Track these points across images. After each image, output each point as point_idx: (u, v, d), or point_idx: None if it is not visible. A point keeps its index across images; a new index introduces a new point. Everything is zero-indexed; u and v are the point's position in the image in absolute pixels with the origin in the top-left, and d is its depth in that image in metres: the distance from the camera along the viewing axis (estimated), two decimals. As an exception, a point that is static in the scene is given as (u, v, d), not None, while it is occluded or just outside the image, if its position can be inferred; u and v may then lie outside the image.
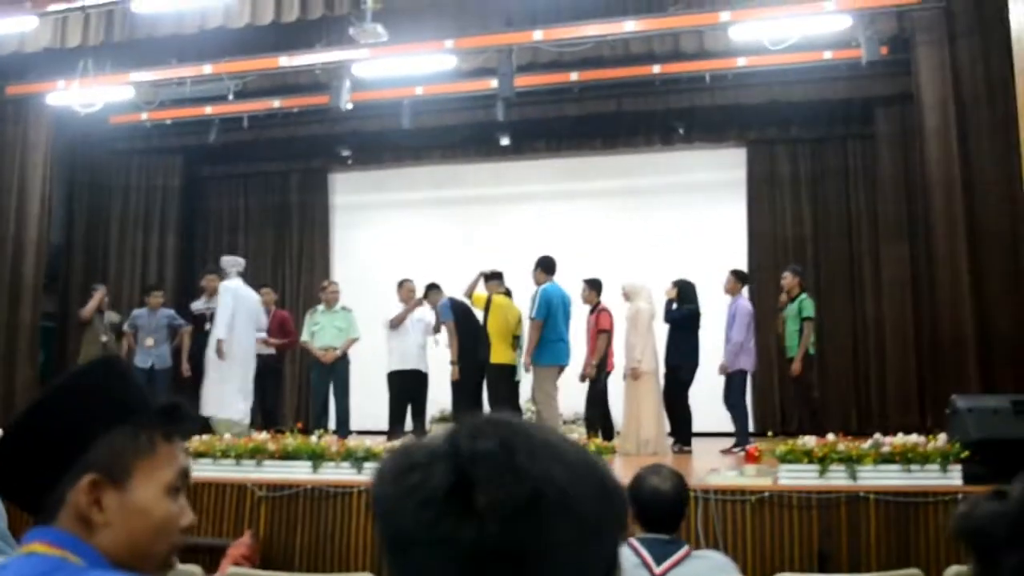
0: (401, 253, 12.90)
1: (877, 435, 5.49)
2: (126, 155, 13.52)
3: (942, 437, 5.43)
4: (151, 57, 10.71)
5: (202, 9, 9.39)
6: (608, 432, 8.99)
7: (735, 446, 8.90)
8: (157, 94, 11.34)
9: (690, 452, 8.94)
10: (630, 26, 9.67)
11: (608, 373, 9.41)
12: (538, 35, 9.82)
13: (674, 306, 9.39)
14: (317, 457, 5.66)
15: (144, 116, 11.94)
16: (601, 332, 9.26)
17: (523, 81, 10.39)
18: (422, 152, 13.18)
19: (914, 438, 5.40)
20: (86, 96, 10.87)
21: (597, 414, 9.27)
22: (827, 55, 10.34)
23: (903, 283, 10.91)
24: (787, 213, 12.23)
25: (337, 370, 9.54)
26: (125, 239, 13.44)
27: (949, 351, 9.11)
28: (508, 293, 9.34)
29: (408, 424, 9.24)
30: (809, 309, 9.06)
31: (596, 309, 9.40)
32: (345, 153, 13.23)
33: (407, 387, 9.29)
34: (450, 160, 13.29)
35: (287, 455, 5.72)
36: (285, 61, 10.43)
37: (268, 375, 9.86)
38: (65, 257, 12.84)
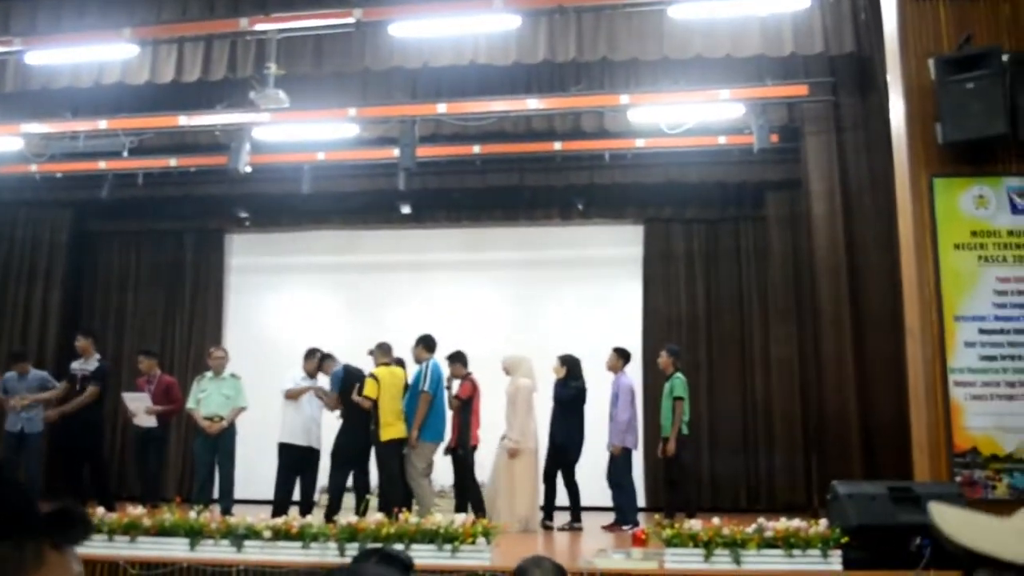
0: (297, 318, 12.73)
1: (761, 520, 5.57)
2: (12, 207, 13.05)
3: (823, 522, 5.54)
4: (44, 108, 10.46)
5: (100, 64, 9.23)
6: (479, 507, 8.80)
7: (616, 522, 8.95)
8: (48, 146, 11.04)
9: (581, 529, 8.92)
10: (533, 104, 9.87)
11: (474, 447, 9.18)
12: (442, 108, 9.94)
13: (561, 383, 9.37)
14: (195, 534, 5.45)
15: (33, 168, 11.60)
16: (459, 399, 9.01)
17: (425, 151, 10.49)
18: (322, 217, 13.08)
19: (796, 523, 5.49)
20: (-30, 146, 10.51)
21: (466, 488, 9.05)
22: (721, 140, 10.71)
23: (791, 362, 11.21)
24: (681, 290, 12.47)
25: (222, 440, 9.24)
26: (6, 294, 12.93)
27: (834, 433, 9.37)
28: (400, 363, 9.22)
29: (295, 497, 9.02)
30: (680, 389, 9.22)
31: (464, 381, 9.19)
32: (243, 215, 13.04)
33: (297, 461, 9.07)
34: (350, 226, 13.22)
35: (164, 531, 5.50)
36: (184, 120, 10.33)
37: (150, 443, 9.54)
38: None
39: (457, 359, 9.25)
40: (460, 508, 8.76)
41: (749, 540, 5.36)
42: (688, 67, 9.41)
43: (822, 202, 9.78)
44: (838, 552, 5.37)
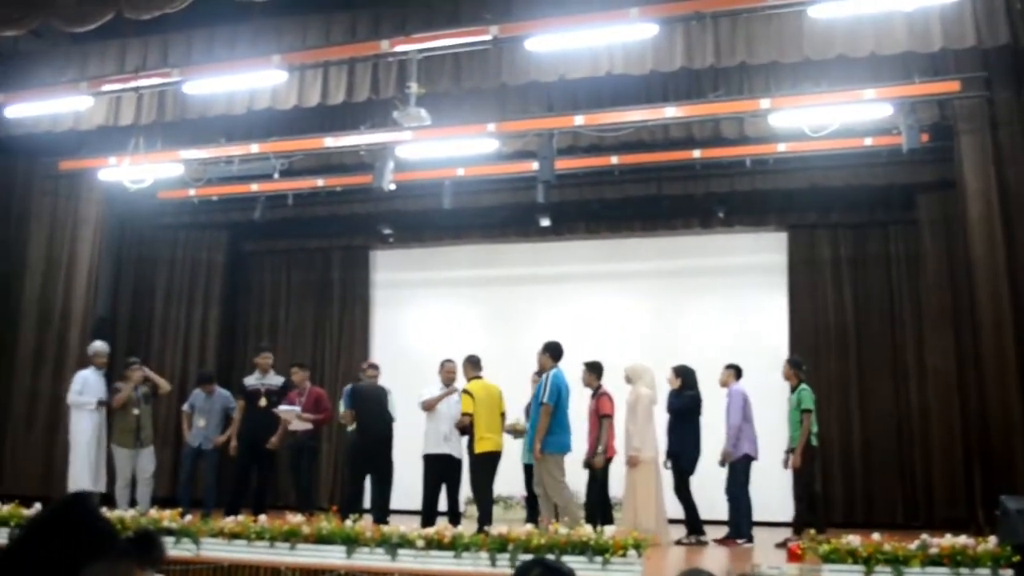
0: (440, 331, 12.95)
1: (924, 536, 5.34)
2: (172, 230, 13.78)
3: (992, 539, 5.28)
4: (201, 135, 10.99)
5: (251, 91, 9.63)
6: (608, 519, 8.68)
7: (729, 536, 8.77)
8: (205, 171, 11.58)
9: (705, 543, 8.79)
10: (670, 112, 9.76)
11: (609, 459, 9.07)
12: (579, 120, 9.95)
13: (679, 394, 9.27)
14: (352, 542, 5.61)
15: (192, 192, 12.22)
16: (603, 417, 8.94)
17: (563, 164, 10.52)
18: (462, 232, 13.31)
19: (963, 540, 5.25)
20: (136, 172, 11.13)
21: (597, 500, 8.98)
22: (868, 141, 10.36)
23: (949, 373, 10.68)
24: (828, 298, 12.11)
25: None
26: (169, 312, 13.62)
27: (998, 445, 8.90)
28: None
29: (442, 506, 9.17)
30: (807, 401, 9.00)
31: (597, 393, 9.09)
32: (387, 231, 13.38)
33: (440, 471, 9.21)
34: (490, 240, 13.40)
35: (321, 539, 5.68)
36: (330, 142, 10.65)
37: (303, 453, 9.88)
38: (110, 329, 13.01)
39: (592, 369, 9.19)
40: (531, 519, 8.78)
41: (912, 557, 5.16)
42: (830, 67, 9.14)
43: (979, 203, 9.32)
44: (1009, 571, 5.11)
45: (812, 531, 5.78)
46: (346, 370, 13.21)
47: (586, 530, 5.58)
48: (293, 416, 9.73)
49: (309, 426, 9.79)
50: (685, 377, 9.20)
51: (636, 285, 12.97)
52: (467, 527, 7.10)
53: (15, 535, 1.48)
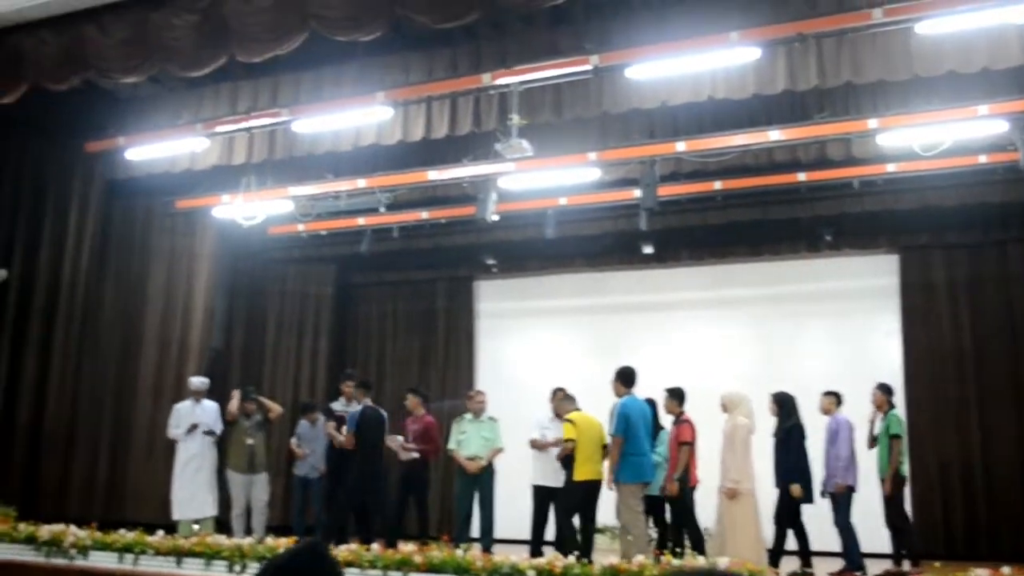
0: (544, 361, 12.98)
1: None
2: (283, 264, 14.18)
3: None
4: (309, 172, 11.30)
5: (357, 127, 9.87)
6: (700, 547, 8.48)
7: (846, 569, 8.50)
8: (314, 206, 11.90)
9: (812, 574, 8.56)
10: (775, 135, 9.63)
11: (693, 488, 8.88)
12: (681, 146, 9.90)
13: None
14: (463, 572, 5.64)
15: (301, 227, 12.57)
16: (682, 444, 8.75)
17: (666, 191, 10.47)
18: (566, 261, 13.35)
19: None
20: (248, 209, 11.51)
21: (684, 530, 8.78)
22: (982, 159, 10.02)
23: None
24: (944, 321, 11.72)
25: (482, 480, 9.55)
26: (280, 344, 14.00)
27: None
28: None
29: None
30: (896, 426, 8.78)
31: (678, 420, 8.94)
32: (490, 262, 13.52)
33: (547, 502, 9.19)
34: (593, 268, 13.41)
35: (432, 568, 5.73)
36: (434, 175, 10.82)
37: (412, 483, 9.91)
38: (224, 360, 13.43)
39: (674, 395, 9.06)
40: (662, 546, 8.63)
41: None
42: (940, 84, 8.87)
43: (1101, 219, 8.95)
44: None
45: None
46: (452, 399, 13.32)
47: (699, 561, 5.50)
48: (398, 445, 9.83)
49: (415, 455, 9.84)
50: (784, 405, 8.99)
51: (741, 312, 12.79)
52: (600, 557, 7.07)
53: None
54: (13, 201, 11.40)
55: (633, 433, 8.41)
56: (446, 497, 12.70)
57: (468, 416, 9.92)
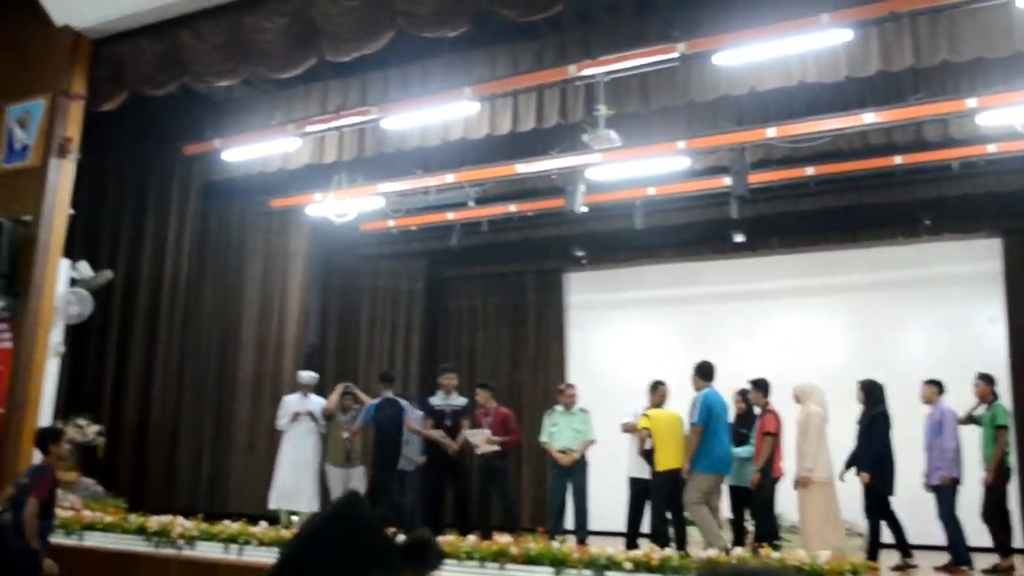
0: (635, 352, 12.93)
1: None
2: (374, 260, 14.40)
3: None
4: (398, 169, 11.43)
5: (444, 123, 9.94)
6: (769, 538, 8.07)
7: (952, 563, 8.24)
8: (403, 202, 12.05)
9: (915, 566, 8.32)
10: (869, 118, 9.38)
11: (776, 479, 8.79)
12: (771, 132, 9.72)
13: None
14: (559, 564, 5.65)
15: (391, 223, 12.73)
16: (766, 435, 8.68)
17: (757, 178, 10.31)
18: (655, 251, 13.26)
19: None
20: (340, 206, 11.71)
21: (764, 522, 8.68)
22: (1090, 137, 9.62)
23: None
24: (1051, 306, 11.32)
25: (575, 472, 9.54)
26: (373, 338, 14.23)
27: None
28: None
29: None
30: (1003, 417, 8.50)
31: (763, 411, 8.88)
32: (579, 253, 13.51)
33: (642, 493, 9.16)
34: (683, 258, 13.29)
35: (529, 559, 5.76)
36: (522, 168, 10.84)
37: (494, 475, 9.87)
38: (319, 356, 13.70)
39: (758, 387, 8.99)
40: (738, 542, 8.49)
41: None
42: (1044, 60, 8.56)
43: None
44: None
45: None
46: (543, 392, 13.36)
47: (800, 554, 5.41)
48: (482, 439, 9.84)
49: (497, 448, 9.83)
50: (871, 393, 8.76)
51: (837, 300, 12.54)
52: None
53: (290, 544, 1.51)
54: (117, 204, 11.81)
55: (714, 425, 8.39)
56: (538, 489, 12.75)
57: (559, 408, 9.92)
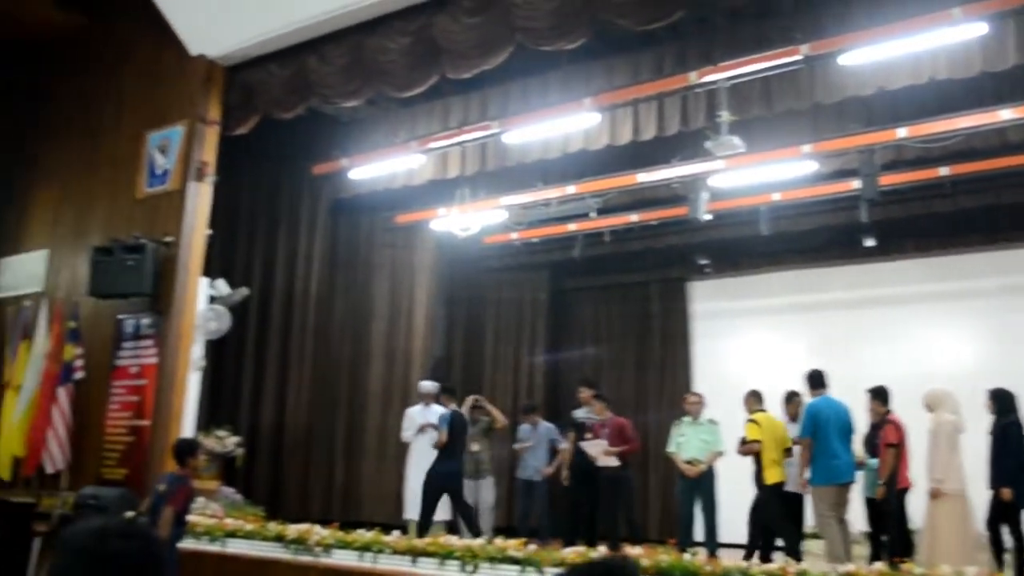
0: (763, 361, 12.69)
1: None
2: (497, 272, 14.56)
3: None
4: (520, 181, 11.54)
5: (565, 135, 9.98)
6: (899, 551, 7.82)
7: None
8: (526, 215, 12.15)
9: None
10: (1006, 115, 8.99)
11: (904, 491, 8.35)
12: (902, 132, 9.42)
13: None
14: (691, 575, 5.59)
15: (514, 235, 12.85)
16: (887, 447, 8.26)
17: (888, 180, 10.02)
18: (781, 257, 13.01)
19: None
20: (464, 220, 11.90)
21: (895, 535, 8.25)
22: None
23: None
24: None
25: (702, 484, 9.41)
26: (498, 350, 14.37)
27: None
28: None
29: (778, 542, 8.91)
30: None
31: (883, 422, 8.44)
32: (703, 261, 13.36)
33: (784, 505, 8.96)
34: (811, 264, 12.99)
35: (660, 571, 5.71)
36: (643, 177, 10.79)
37: (615, 485, 9.78)
38: (446, 368, 13.91)
39: (876, 396, 8.59)
40: (875, 556, 8.15)
41: None
42: None
43: None
44: None
45: None
46: (669, 402, 13.24)
47: (943, 570, 5.22)
48: (599, 451, 9.81)
49: (615, 461, 9.76)
50: (1001, 402, 8.33)
51: (974, 304, 12.04)
52: (809, 563, 6.88)
53: None
54: (251, 223, 12.27)
55: (823, 434, 8.19)
56: (666, 500, 12.63)
57: (687, 419, 9.81)
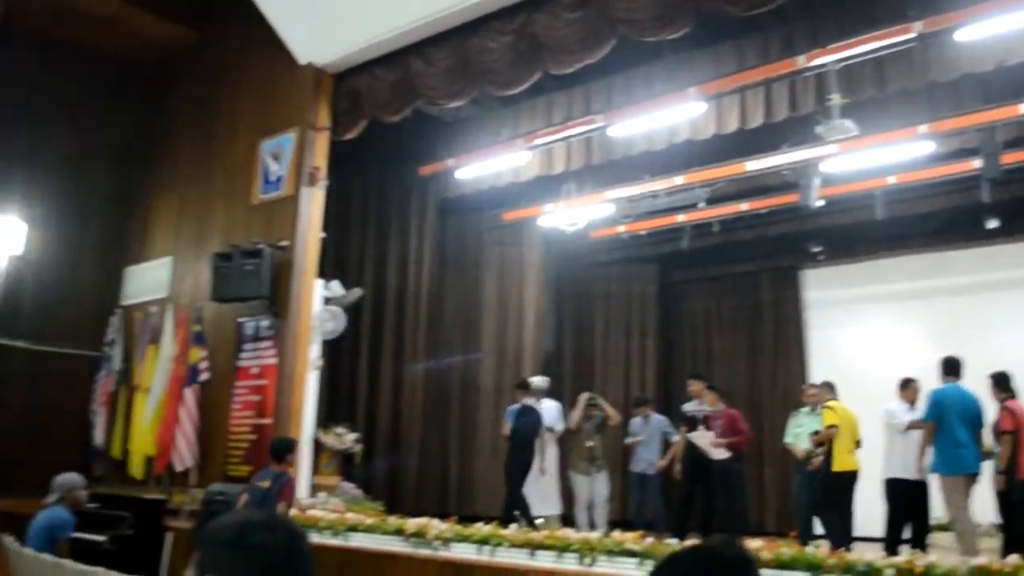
0: (881, 348, 12.34)
1: None
2: (605, 266, 14.51)
3: None
4: (626, 174, 11.47)
5: (670, 126, 9.90)
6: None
7: None
8: (632, 207, 12.07)
9: None
10: None
11: (1022, 481, 7.91)
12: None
13: None
14: (814, 569, 5.47)
15: (621, 228, 12.78)
16: (1002, 434, 7.90)
17: (1011, 158, 9.60)
18: (898, 242, 12.61)
19: None
20: (571, 216, 11.90)
21: (1018, 526, 7.84)
22: None
23: None
24: None
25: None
26: (608, 344, 14.32)
27: None
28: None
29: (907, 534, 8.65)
30: None
31: (1001, 408, 8.06)
32: (816, 249, 13.04)
33: (908, 496, 8.68)
34: (929, 248, 12.55)
35: (782, 564, 5.61)
36: (752, 165, 10.59)
37: (727, 477, 9.63)
38: (556, 362, 13.94)
39: (997, 381, 8.19)
40: (1008, 549, 7.77)
41: None
42: None
43: None
44: None
45: None
46: (783, 393, 13.00)
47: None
48: (707, 442, 9.68)
49: (725, 453, 9.62)
50: None
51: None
52: (938, 555, 6.65)
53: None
54: (362, 225, 12.52)
55: (946, 422, 7.97)
56: (783, 492, 12.40)
57: (804, 410, 9.62)
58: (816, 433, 9.06)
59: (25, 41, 11.01)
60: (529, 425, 10.10)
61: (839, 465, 8.53)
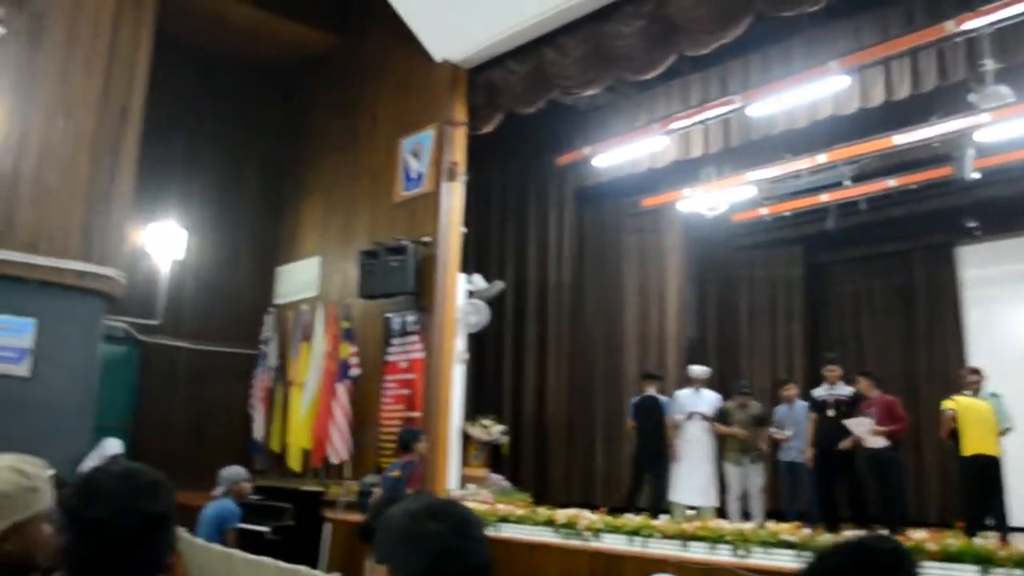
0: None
1: None
2: (748, 250, 14.19)
3: None
4: (766, 155, 11.18)
5: (812, 102, 9.60)
6: None
7: None
8: (774, 189, 11.76)
9: None
10: None
11: None
12: None
13: None
14: (984, 561, 5.23)
15: (764, 211, 12.46)
16: None
17: None
18: (1064, 214, 11.87)
19: None
20: (711, 200, 11.70)
21: None
22: None
23: None
24: None
25: (987, 463, 8.79)
26: (753, 330, 14.01)
27: None
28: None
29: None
30: None
31: None
32: (972, 224, 12.39)
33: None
34: (1105, 218, 11.77)
35: (949, 556, 5.38)
36: (900, 139, 10.15)
37: (883, 465, 9.24)
38: (700, 349, 13.72)
39: None
40: None
41: None
42: None
43: None
44: None
45: None
46: (940, 378, 12.41)
47: None
48: (865, 430, 9.30)
49: (883, 441, 9.22)
50: None
51: None
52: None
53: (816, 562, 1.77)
54: (501, 218, 12.65)
55: None
56: (943, 481, 11.88)
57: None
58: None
59: (179, 53, 11.54)
60: (652, 416, 10.17)
61: (966, 450, 8.33)
